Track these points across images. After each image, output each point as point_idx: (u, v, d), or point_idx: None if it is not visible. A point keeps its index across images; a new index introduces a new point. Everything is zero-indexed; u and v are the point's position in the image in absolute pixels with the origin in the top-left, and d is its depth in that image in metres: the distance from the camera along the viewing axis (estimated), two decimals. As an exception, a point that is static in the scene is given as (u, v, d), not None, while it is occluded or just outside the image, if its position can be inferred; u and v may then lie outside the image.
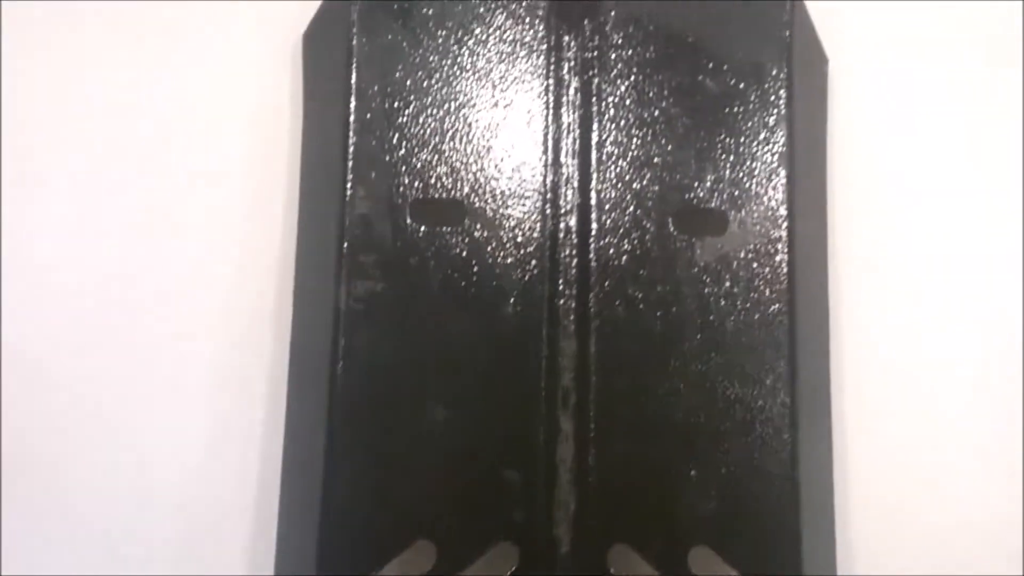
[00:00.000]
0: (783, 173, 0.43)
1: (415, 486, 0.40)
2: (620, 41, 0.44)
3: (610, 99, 0.43)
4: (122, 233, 0.45)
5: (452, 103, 0.43)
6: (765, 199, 0.43)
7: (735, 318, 0.42)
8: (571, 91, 0.43)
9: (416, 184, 0.42)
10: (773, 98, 0.43)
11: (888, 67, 0.47)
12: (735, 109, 0.43)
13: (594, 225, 0.42)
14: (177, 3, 0.47)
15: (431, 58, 0.43)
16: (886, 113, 0.47)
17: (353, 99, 0.43)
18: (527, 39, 0.44)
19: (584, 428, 0.41)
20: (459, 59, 0.43)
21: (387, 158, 0.42)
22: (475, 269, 0.42)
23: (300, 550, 0.41)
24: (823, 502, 0.43)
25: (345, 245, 0.42)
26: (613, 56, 0.44)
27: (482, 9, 0.44)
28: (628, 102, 0.43)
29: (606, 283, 0.42)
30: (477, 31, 0.44)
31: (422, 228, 0.42)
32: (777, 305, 0.42)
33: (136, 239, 0.45)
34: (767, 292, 0.42)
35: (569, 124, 0.43)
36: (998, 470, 0.44)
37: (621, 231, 0.42)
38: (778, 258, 0.42)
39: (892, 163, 0.47)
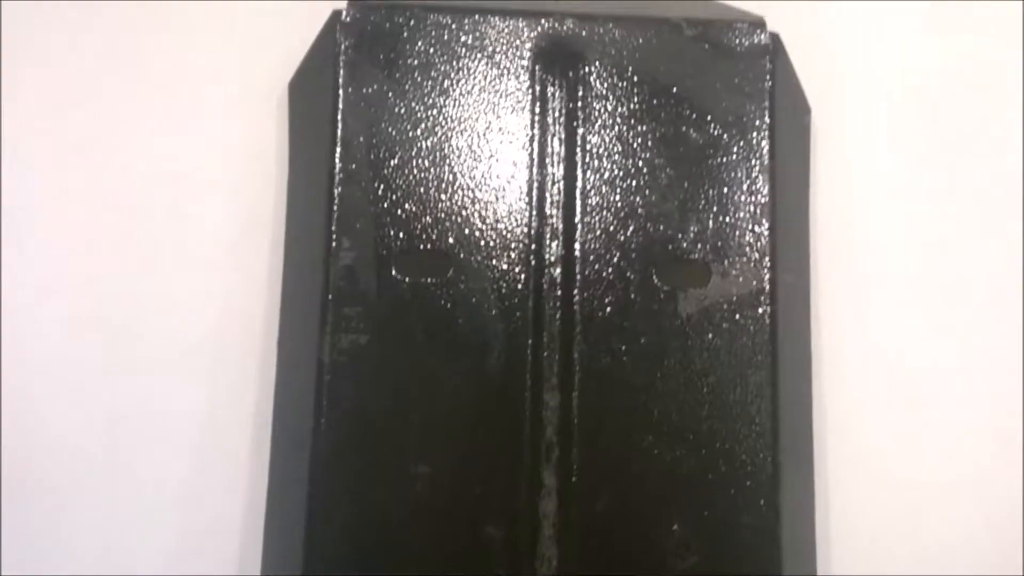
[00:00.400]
0: (766, 224, 0.43)
1: (397, 541, 0.40)
2: (604, 92, 0.44)
3: (595, 150, 0.43)
4: (103, 280, 0.45)
5: (437, 154, 0.43)
6: (748, 250, 0.43)
7: (719, 370, 0.42)
8: (556, 142, 0.44)
9: (401, 235, 0.43)
10: (756, 149, 0.44)
11: (871, 115, 0.47)
12: (718, 160, 0.43)
13: (578, 277, 0.42)
14: (161, 49, 0.47)
15: (417, 108, 0.43)
16: (868, 161, 0.47)
17: (338, 150, 0.43)
18: (512, 90, 0.44)
19: (567, 482, 0.41)
20: (444, 109, 0.43)
21: (372, 209, 0.43)
22: (459, 321, 0.42)
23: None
24: (805, 554, 0.43)
25: (329, 297, 0.42)
26: (597, 107, 0.44)
27: (468, 60, 0.44)
28: (612, 153, 0.43)
29: (590, 335, 0.42)
30: (463, 82, 0.44)
31: (407, 280, 0.42)
32: (760, 356, 0.42)
33: (118, 285, 0.45)
34: (750, 344, 0.42)
35: (554, 175, 0.43)
36: (985, 524, 0.44)
37: (605, 283, 0.42)
38: (761, 310, 0.42)
39: (875, 211, 0.47)
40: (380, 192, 0.43)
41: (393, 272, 0.42)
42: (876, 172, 0.47)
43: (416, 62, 0.44)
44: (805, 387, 0.44)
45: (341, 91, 0.43)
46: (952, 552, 0.44)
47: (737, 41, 0.44)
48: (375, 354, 0.41)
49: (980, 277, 0.46)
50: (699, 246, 0.43)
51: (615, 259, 0.43)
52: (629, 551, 0.40)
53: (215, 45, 0.47)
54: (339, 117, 0.43)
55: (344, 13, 0.44)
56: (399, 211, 0.43)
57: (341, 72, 0.43)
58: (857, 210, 0.47)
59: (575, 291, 0.42)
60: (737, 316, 0.42)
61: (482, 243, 0.43)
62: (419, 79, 0.44)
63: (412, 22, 0.44)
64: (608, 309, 0.42)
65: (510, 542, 0.40)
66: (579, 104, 0.44)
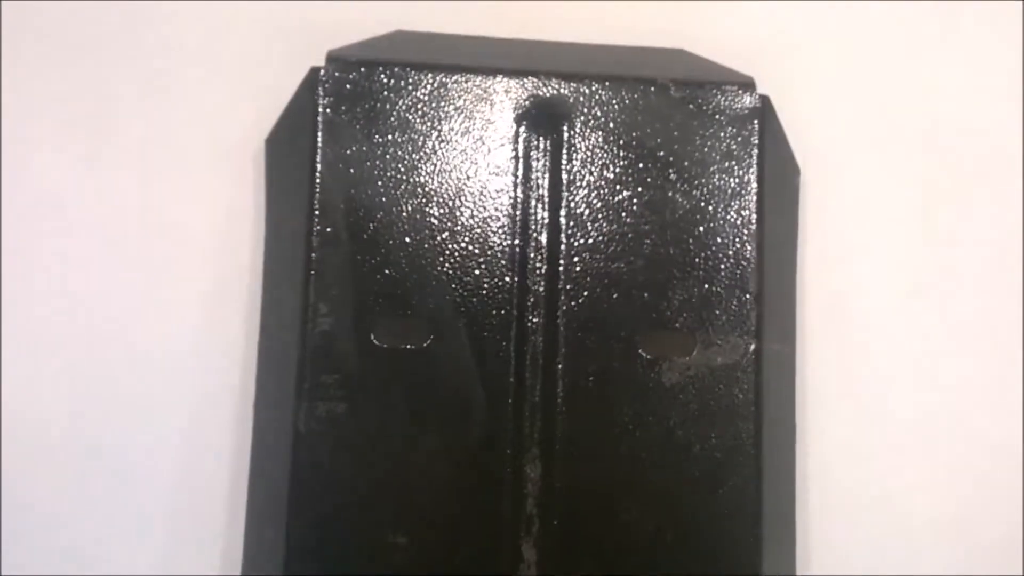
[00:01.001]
0: (751, 294, 0.42)
1: (374, 616, 0.39)
2: (589, 155, 0.43)
3: (579, 215, 0.43)
4: (75, 339, 0.44)
5: (418, 217, 0.42)
6: (733, 320, 0.42)
7: (702, 440, 0.41)
8: (539, 207, 0.43)
9: (381, 300, 0.42)
10: (743, 217, 0.43)
11: (863, 173, 0.47)
12: (704, 226, 0.43)
13: (561, 346, 0.42)
14: (136, 100, 0.46)
15: (397, 170, 0.42)
16: (859, 220, 0.47)
17: (316, 212, 0.42)
18: (495, 152, 0.43)
19: (547, 557, 0.40)
20: (426, 171, 0.43)
21: (351, 273, 0.42)
22: (439, 390, 0.41)
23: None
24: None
25: (306, 364, 0.41)
26: (582, 171, 0.43)
27: (450, 120, 0.43)
28: (597, 218, 0.43)
29: (572, 405, 0.41)
30: (444, 143, 0.43)
31: (386, 346, 0.41)
32: (744, 427, 0.41)
33: (91, 345, 0.44)
34: (733, 414, 0.42)
35: (537, 241, 0.42)
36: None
37: (588, 352, 0.42)
38: (745, 380, 0.42)
39: (864, 276, 0.46)
40: (359, 256, 0.42)
41: (372, 338, 0.41)
42: (867, 231, 0.47)
43: (396, 122, 0.43)
44: (789, 456, 0.44)
45: (319, 152, 0.42)
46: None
47: (725, 104, 0.44)
48: (353, 422, 0.41)
49: (974, 339, 0.46)
50: (684, 315, 0.42)
51: (598, 327, 0.42)
52: (609, 627, 0.40)
53: (191, 96, 0.46)
54: (317, 179, 0.42)
55: (323, 71, 0.43)
56: (378, 276, 0.42)
57: (319, 132, 0.42)
58: (846, 272, 0.46)
59: (557, 360, 0.42)
60: (721, 386, 0.42)
61: (463, 310, 0.42)
62: (400, 139, 0.43)
63: (392, 81, 0.43)
64: (591, 379, 0.42)
65: (489, 618, 0.39)
66: (563, 167, 0.43)
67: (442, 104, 0.43)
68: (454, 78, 0.43)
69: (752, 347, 0.42)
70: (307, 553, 0.40)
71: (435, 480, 0.40)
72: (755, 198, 0.43)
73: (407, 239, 0.42)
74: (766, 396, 0.42)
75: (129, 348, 0.44)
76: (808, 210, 0.47)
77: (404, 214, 0.42)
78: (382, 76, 0.43)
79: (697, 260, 0.43)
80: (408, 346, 0.41)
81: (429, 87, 0.43)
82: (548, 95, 0.43)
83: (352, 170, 0.42)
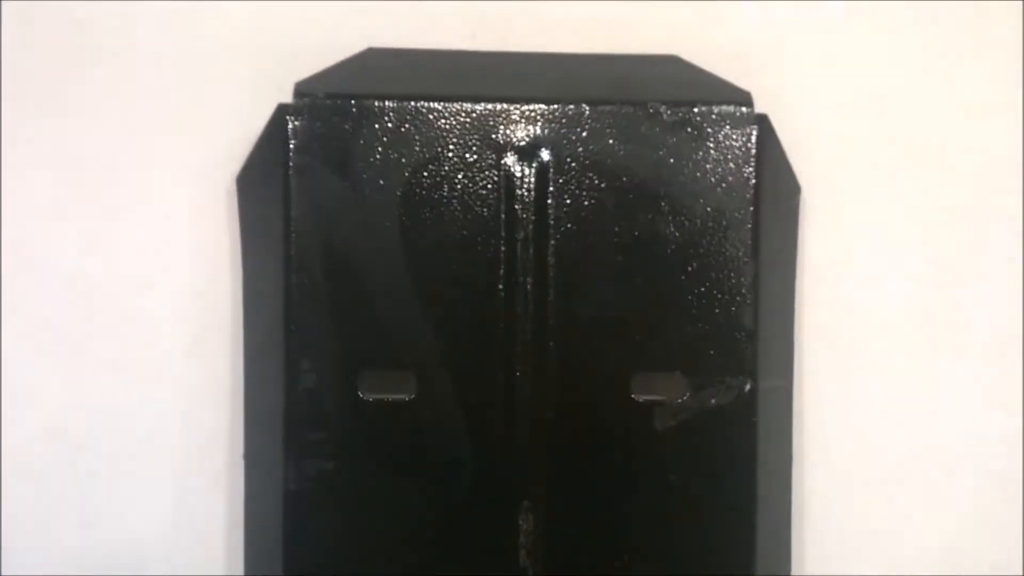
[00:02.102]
0: (747, 331, 0.41)
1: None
2: (577, 190, 0.41)
3: (567, 255, 0.41)
4: (56, 387, 0.43)
5: (399, 263, 0.40)
6: (729, 360, 0.41)
7: (695, 482, 0.41)
8: (525, 247, 0.41)
9: (364, 352, 0.40)
10: (738, 247, 0.41)
11: (866, 189, 0.44)
12: (698, 260, 0.41)
13: (550, 396, 0.41)
14: (105, 136, 0.43)
15: (375, 213, 0.40)
16: (861, 238, 0.44)
17: (293, 266, 0.40)
18: (477, 188, 0.40)
19: (542, 607, 0.40)
20: (405, 213, 0.40)
21: (332, 326, 0.40)
22: (427, 442, 0.40)
23: None
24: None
25: (291, 423, 0.40)
26: (569, 207, 0.41)
27: (428, 156, 0.40)
28: (586, 258, 0.41)
29: (562, 455, 0.41)
30: (423, 181, 0.40)
31: (372, 399, 0.40)
32: (738, 472, 0.41)
33: (72, 393, 0.43)
34: (729, 455, 0.41)
35: (524, 283, 0.41)
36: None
37: (578, 399, 0.41)
38: (741, 421, 0.41)
39: (866, 290, 0.44)
40: (339, 308, 0.40)
41: (357, 393, 0.40)
42: (869, 249, 0.44)
43: (371, 158, 0.40)
44: (785, 491, 0.43)
45: (292, 198, 0.40)
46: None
47: (720, 128, 0.41)
48: (342, 479, 0.40)
49: (977, 365, 0.44)
50: (676, 355, 0.41)
51: (589, 373, 0.41)
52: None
53: (160, 129, 0.43)
54: (292, 229, 0.40)
55: (290, 108, 0.40)
56: (361, 327, 0.40)
57: (290, 177, 0.40)
58: (847, 289, 0.44)
59: (547, 409, 0.41)
60: (716, 428, 0.41)
61: (449, 359, 0.40)
62: (375, 177, 0.40)
63: (363, 115, 0.40)
64: (581, 427, 0.41)
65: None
66: (549, 201, 0.41)
67: (417, 137, 0.40)
68: (429, 107, 0.40)
69: (748, 387, 0.41)
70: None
71: (427, 533, 0.40)
72: (751, 229, 0.41)
73: (388, 288, 0.40)
74: (762, 433, 0.41)
75: (110, 400, 0.43)
76: (808, 226, 0.44)
77: (384, 261, 0.40)
78: (352, 110, 0.40)
79: (690, 297, 0.41)
80: (394, 398, 0.40)
81: (403, 119, 0.40)
82: (532, 124, 0.41)
83: (327, 214, 0.40)
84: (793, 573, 0.43)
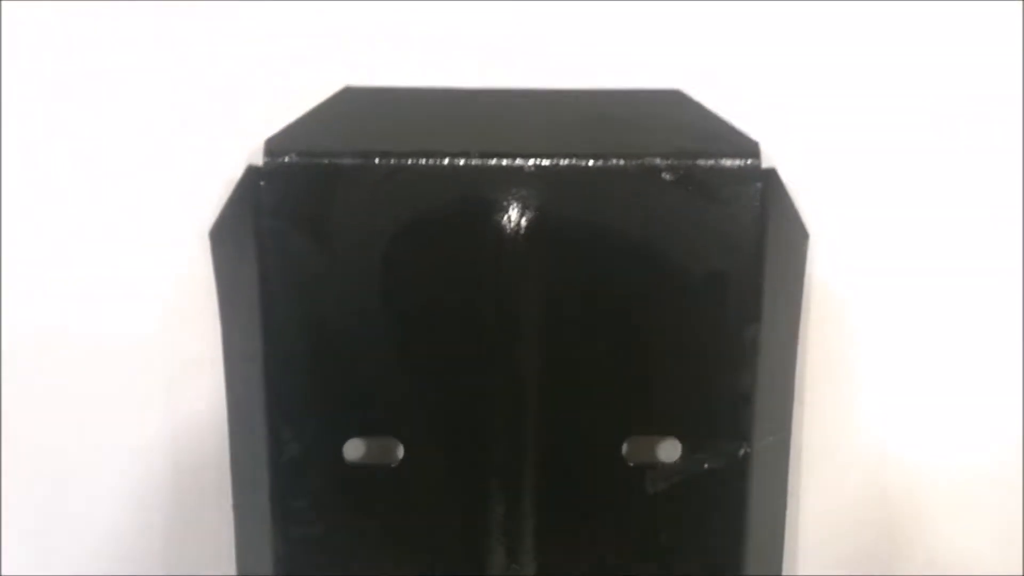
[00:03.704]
0: (744, 396, 0.39)
1: None
2: (570, 252, 0.38)
3: (557, 320, 0.39)
4: (33, 439, 0.43)
5: (380, 327, 0.38)
6: (724, 425, 0.39)
7: (686, 542, 0.40)
8: (514, 315, 0.38)
9: (347, 419, 0.39)
10: (741, 309, 0.39)
11: (874, 234, 0.42)
12: (696, 325, 0.39)
13: (539, 463, 0.39)
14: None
15: (353, 275, 0.38)
16: (868, 281, 0.42)
17: (267, 336, 0.38)
18: (460, 249, 0.38)
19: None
20: (386, 277, 0.38)
21: (313, 395, 0.39)
22: (413, 511, 0.40)
23: None
24: None
25: (276, 491, 0.39)
26: (561, 268, 0.38)
27: (408, 218, 0.38)
28: (578, 323, 0.39)
29: (552, 521, 0.40)
30: (403, 244, 0.38)
31: (356, 466, 0.40)
32: (731, 524, 0.40)
33: (53, 443, 0.43)
34: (721, 514, 0.40)
35: (510, 349, 0.39)
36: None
37: (568, 463, 0.40)
38: (733, 485, 0.40)
39: (872, 333, 0.43)
40: (319, 375, 0.39)
41: (342, 460, 0.39)
42: (876, 292, 0.42)
43: (349, 223, 0.38)
44: (778, 537, 0.43)
45: (264, 265, 0.38)
46: None
47: (724, 183, 0.38)
48: (329, 545, 0.40)
49: (981, 413, 0.43)
50: (671, 421, 0.40)
51: (579, 437, 0.40)
52: None
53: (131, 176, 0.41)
54: (265, 299, 0.38)
55: (261, 173, 0.37)
56: (343, 394, 0.39)
57: (263, 245, 0.37)
58: (853, 333, 0.43)
59: (536, 476, 0.40)
60: (708, 490, 0.40)
61: (432, 425, 0.39)
62: (352, 240, 0.38)
63: (341, 177, 0.37)
64: (571, 491, 0.40)
65: None
66: (538, 263, 0.38)
67: (398, 197, 0.38)
68: (409, 165, 0.38)
69: (743, 451, 0.40)
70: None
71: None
72: (754, 292, 0.39)
73: (369, 353, 0.39)
74: (755, 493, 0.40)
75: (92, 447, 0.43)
76: (815, 266, 0.42)
77: (364, 326, 0.39)
78: (326, 171, 0.37)
79: (688, 360, 0.39)
80: (378, 464, 0.40)
81: (382, 179, 0.37)
82: (520, 181, 0.38)
83: (302, 281, 0.38)
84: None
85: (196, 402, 0.43)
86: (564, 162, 0.38)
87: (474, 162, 0.38)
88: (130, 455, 0.43)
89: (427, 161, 0.37)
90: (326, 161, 0.37)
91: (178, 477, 0.43)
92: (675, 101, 0.40)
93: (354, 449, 0.40)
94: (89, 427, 0.43)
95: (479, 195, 0.38)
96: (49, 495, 0.43)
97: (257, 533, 0.41)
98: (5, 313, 0.42)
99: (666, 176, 0.38)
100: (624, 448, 0.40)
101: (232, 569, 0.42)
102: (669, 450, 0.40)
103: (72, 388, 0.42)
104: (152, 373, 0.42)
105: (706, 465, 0.40)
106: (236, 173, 0.38)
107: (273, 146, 0.37)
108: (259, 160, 0.37)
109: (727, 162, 0.38)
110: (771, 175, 0.38)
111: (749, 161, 0.38)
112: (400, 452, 0.39)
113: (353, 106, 0.39)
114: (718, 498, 0.40)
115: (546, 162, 0.38)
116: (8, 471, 0.43)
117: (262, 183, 0.37)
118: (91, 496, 0.43)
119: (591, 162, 0.38)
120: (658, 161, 0.38)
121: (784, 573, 0.42)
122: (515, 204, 0.38)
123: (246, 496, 0.41)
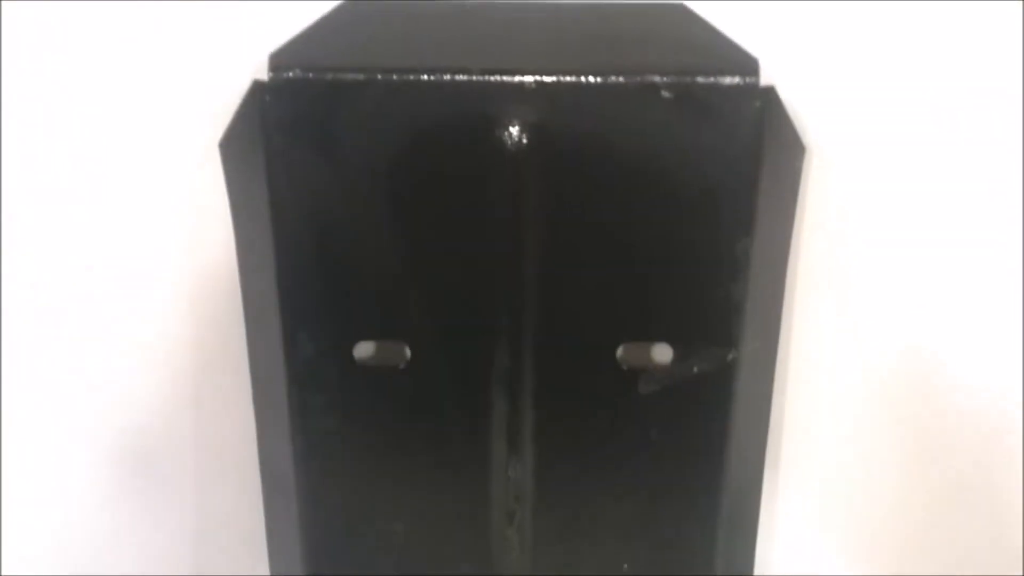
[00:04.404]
0: (736, 304, 0.41)
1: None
2: (573, 164, 0.39)
3: (562, 227, 0.40)
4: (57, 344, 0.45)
5: (388, 234, 0.40)
6: (716, 333, 0.41)
7: (672, 445, 0.43)
8: (516, 224, 0.40)
9: (357, 325, 0.41)
10: (735, 228, 0.40)
11: (873, 151, 0.42)
12: (693, 234, 0.40)
13: (537, 363, 0.42)
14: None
15: (359, 185, 0.39)
16: (864, 200, 0.43)
17: (279, 243, 0.40)
18: (464, 163, 0.39)
19: (527, 541, 0.44)
20: (388, 189, 0.39)
21: (325, 299, 0.41)
22: (420, 409, 0.42)
23: None
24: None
25: (293, 388, 0.42)
26: (566, 180, 0.39)
27: (415, 132, 0.39)
28: (581, 230, 0.40)
29: (549, 418, 0.43)
30: (410, 157, 0.39)
31: (367, 365, 0.42)
32: (716, 425, 0.43)
33: (75, 365, 0.46)
34: (707, 416, 0.42)
35: (514, 255, 0.40)
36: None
37: (565, 364, 0.42)
38: (720, 389, 0.42)
39: (866, 250, 0.44)
40: (329, 280, 0.41)
41: (354, 360, 0.42)
42: (873, 209, 0.43)
43: (354, 137, 0.39)
44: (759, 455, 0.45)
45: (272, 178, 0.39)
46: None
47: (723, 101, 0.38)
48: (343, 438, 0.43)
49: (973, 332, 0.44)
50: (664, 327, 0.42)
51: (577, 341, 0.42)
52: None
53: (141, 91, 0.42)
54: (274, 212, 0.39)
55: (266, 88, 0.38)
56: (351, 298, 0.41)
57: (268, 159, 0.39)
58: (846, 254, 0.44)
59: (536, 378, 0.42)
60: (697, 391, 0.42)
61: (438, 328, 0.41)
62: (360, 157, 0.39)
63: (345, 93, 0.38)
64: (569, 391, 0.42)
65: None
66: (540, 176, 0.39)
67: (399, 111, 0.39)
68: (411, 80, 0.38)
69: (731, 356, 0.42)
70: (321, 550, 0.44)
71: (425, 489, 0.43)
72: (750, 208, 0.40)
73: (377, 261, 0.40)
74: (741, 396, 0.43)
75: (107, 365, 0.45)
76: (810, 183, 0.43)
77: (372, 233, 0.40)
78: (331, 87, 0.38)
79: (683, 271, 0.41)
80: (388, 365, 0.42)
81: (385, 95, 0.38)
82: (522, 97, 0.38)
83: (310, 192, 0.39)
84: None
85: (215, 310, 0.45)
86: (564, 79, 0.38)
87: (475, 78, 0.38)
88: (152, 352, 0.46)
89: (429, 77, 0.38)
90: (330, 76, 0.38)
91: (199, 380, 0.46)
92: (678, 16, 0.40)
93: (365, 350, 0.42)
94: (111, 326, 0.45)
95: (481, 111, 0.38)
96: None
97: (277, 429, 0.44)
98: (8, 226, 0.44)
99: (665, 94, 0.38)
100: (619, 352, 0.42)
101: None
102: (661, 354, 0.42)
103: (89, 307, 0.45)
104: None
105: (696, 369, 0.42)
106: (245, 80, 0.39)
107: (278, 61, 0.38)
108: (263, 74, 0.38)
109: (726, 80, 0.38)
110: (770, 93, 0.38)
111: (748, 79, 0.38)
112: (408, 354, 0.42)
113: (356, 20, 0.39)
114: (706, 399, 0.42)
115: (547, 79, 0.38)
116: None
117: (267, 98, 0.38)
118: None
119: (591, 79, 0.38)
120: (657, 79, 0.38)
121: (766, 471, 0.45)
122: (516, 119, 0.39)
123: (266, 396, 0.44)
